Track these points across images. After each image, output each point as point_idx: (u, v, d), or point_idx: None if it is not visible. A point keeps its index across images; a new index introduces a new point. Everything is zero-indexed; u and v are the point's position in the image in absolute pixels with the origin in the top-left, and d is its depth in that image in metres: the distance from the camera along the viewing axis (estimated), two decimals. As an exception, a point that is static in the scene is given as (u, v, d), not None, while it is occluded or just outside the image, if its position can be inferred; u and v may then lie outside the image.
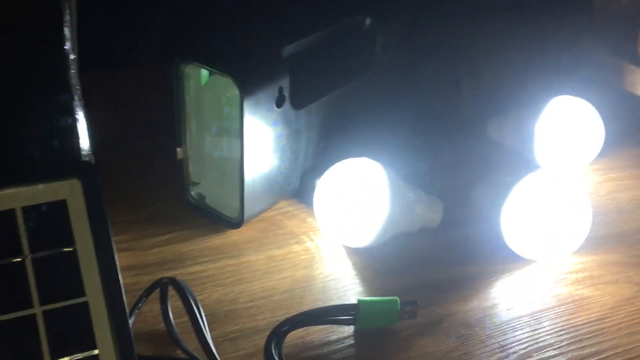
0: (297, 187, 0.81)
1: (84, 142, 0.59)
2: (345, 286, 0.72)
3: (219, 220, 0.78)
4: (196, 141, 0.77)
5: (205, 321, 0.63)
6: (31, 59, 0.56)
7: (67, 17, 0.56)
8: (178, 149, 0.77)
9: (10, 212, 0.57)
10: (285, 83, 0.73)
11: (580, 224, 0.76)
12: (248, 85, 0.69)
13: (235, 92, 0.71)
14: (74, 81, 0.57)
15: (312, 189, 0.81)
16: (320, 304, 0.70)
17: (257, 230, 0.78)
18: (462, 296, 0.73)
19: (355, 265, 0.75)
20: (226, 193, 0.77)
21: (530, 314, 0.71)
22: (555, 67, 1.03)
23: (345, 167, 0.75)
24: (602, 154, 0.91)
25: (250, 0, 0.83)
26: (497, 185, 0.80)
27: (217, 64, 0.70)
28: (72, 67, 0.57)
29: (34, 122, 0.58)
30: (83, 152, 0.60)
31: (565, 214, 0.74)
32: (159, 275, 0.71)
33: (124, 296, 0.57)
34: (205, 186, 0.79)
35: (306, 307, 0.69)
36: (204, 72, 0.73)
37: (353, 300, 0.71)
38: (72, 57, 0.56)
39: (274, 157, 0.76)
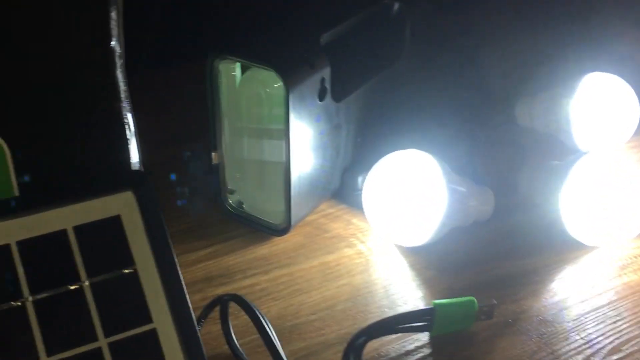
0: (337, 186, 0.72)
1: (134, 150, 0.50)
2: (409, 289, 0.65)
3: (260, 228, 0.69)
4: (232, 144, 0.68)
5: (277, 339, 0.53)
6: (74, 57, 0.47)
7: (113, 10, 0.46)
8: (213, 153, 0.68)
9: (62, 234, 0.48)
10: (326, 74, 0.64)
11: (640, 205, 0.68)
12: (292, 77, 0.61)
13: (274, 86, 0.63)
14: (121, 81, 0.48)
15: (354, 187, 0.73)
16: (386, 311, 0.62)
17: (303, 235, 0.70)
18: (531, 291, 0.65)
19: (413, 265, 0.67)
20: (268, 198, 0.68)
21: (607, 305, 0.64)
22: (586, 43, 0.95)
23: (395, 161, 0.67)
24: (637, 131, 0.83)
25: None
26: (547, 170, 0.72)
27: (255, 57, 0.62)
28: (119, 64, 0.48)
29: (78, 129, 0.49)
30: (133, 161, 0.50)
31: (625, 196, 0.67)
32: (209, 293, 0.63)
33: (194, 319, 0.48)
34: (243, 192, 0.70)
35: (373, 316, 0.61)
36: (238, 68, 0.64)
37: (420, 303, 0.63)
38: (118, 52, 0.47)
39: (316, 156, 0.67)
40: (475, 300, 0.59)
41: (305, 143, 0.65)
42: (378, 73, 0.74)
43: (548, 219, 0.71)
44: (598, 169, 0.67)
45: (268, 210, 0.70)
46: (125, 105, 0.48)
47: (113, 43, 0.46)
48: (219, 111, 0.67)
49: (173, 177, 0.67)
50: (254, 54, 0.62)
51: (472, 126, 0.82)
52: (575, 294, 0.65)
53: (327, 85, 0.65)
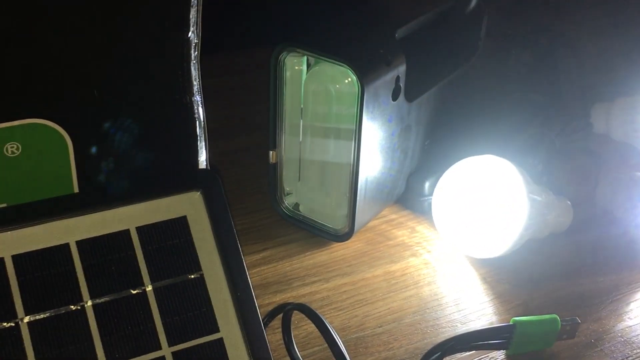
0: (402, 191, 0.71)
1: (203, 147, 0.49)
2: (481, 303, 0.63)
3: (318, 232, 0.68)
4: (290, 142, 0.67)
5: (347, 353, 0.53)
6: (147, 47, 0.46)
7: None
8: (271, 152, 0.67)
9: (124, 234, 0.47)
10: (401, 72, 0.63)
11: None
12: (368, 74, 0.60)
13: (345, 82, 0.62)
14: (194, 73, 0.47)
15: (420, 193, 0.72)
16: (459, 326, 0.61)
17: (365, 242, 0.69)
18: (613, 310, 0.64)
19: (484, 278, 0.66)
20: (329, 202, 0.68)
21: (697, 328, 0.62)
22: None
23: (470, 166, 0.65)
24: None
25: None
26: (630, 182, 0.71)
27: (328, 50, 0.61)
28: (194, 56, 0.47)
29: (147, 124, 0.48)
30: (201, 159, 0.50)
31: None
32: (265, 300, 0.62)
33: (264, 330, 0.47)
34: (300, 194, 0.69)
35: (444, 330, 0.61)
36: (304, 62, 0.63)
37: (494, 319, 0.63)
38: (194, 42, 0.46)
39: (385, 159, 0.66)
40: (558, 318, 0.58)
41: (375, 145, 0.64)
42: (452, 72, 0.73)
43: (630, 235, 0.69)
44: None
45: (328, 213, 0.69)
46: (197, 99, 0.47)
47: (190, 34, 0.45)
48: (281, 107, 0.66)
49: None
50: (326, 48, 0.61)
51: (547, 132, 0.80)
52: (661, 315, 0.64)
53: (402, 84, 0.64)
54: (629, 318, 0.63)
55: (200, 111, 0.47)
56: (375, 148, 0.64)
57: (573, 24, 1.00)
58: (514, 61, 0.87)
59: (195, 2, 0.44)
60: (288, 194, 0.71)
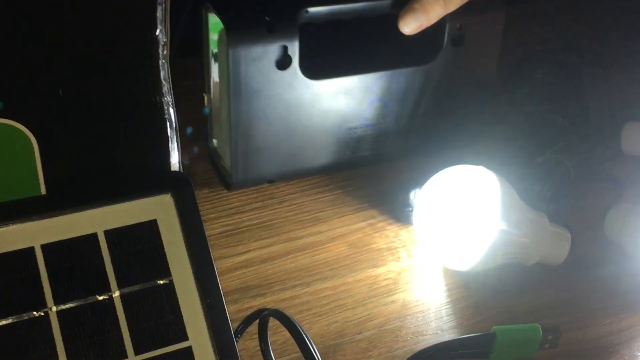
0: (347, 157, 0.71)
1: (174, 149, 0.46)
2: (463, 310, 0.61)
3: (220, 178, 0.71)
4: (215, 94, 0.69)
5: (322, 362, 0.50)
6: (114, 46, 0.43)
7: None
8: (205, 95, 0.69)
9: (91, 238, 0.45)
10: (293, 44, 0.64)
11: None
12: (238, 27, 0.62)
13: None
14: (164, 73, 0.44)
15: (405, 204, 0.69)
16: (440, 333, 0.59)
17: (347, 245, 0.66)
18: (597, 318, 0.62)
19: (467, 284, 0.64)
20: (227, 151, 0.69)
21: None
22: None
23: (453, 176, 0.63)
24: None
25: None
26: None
27: (217, 6, 0.63)
28: (162, 55, 0.44)
29: (114, 124, 0.45)
30: (173, 161, 0.47)
31: None
32: (245, 305, 0.60)
33: (234, 340, 0.44)
34: (219, 140, 0.71)
35: (425, 338, 0.59)
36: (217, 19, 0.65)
37: (476, 327, 0.60)
38: (163, 41, 0.43)
39: (280, 122, 0.67)
40: (539, 327, 0.55)
41: (255, 103, 0.65)
42: (396, 67, 0.70)
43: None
44: None
45: (229, 164, 0.69)
46: (168, 99, 0.44)
47: (158, 32, 0.42)
48: (208, 56, 0.67)
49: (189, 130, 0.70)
50: (219, 3, 0.63)
51: (562, 159, 0.75)
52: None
53: (294, 56, 0.64)
54: (612, 326, 0.60)
55: (172, 112, 0.44)
56: (256, 107, 0.65)
57: (601, 43, 0.95)
58: (540, 80, 0.82)
59: (162, 0, 0.41)
60: (212, 140, 0.72)
